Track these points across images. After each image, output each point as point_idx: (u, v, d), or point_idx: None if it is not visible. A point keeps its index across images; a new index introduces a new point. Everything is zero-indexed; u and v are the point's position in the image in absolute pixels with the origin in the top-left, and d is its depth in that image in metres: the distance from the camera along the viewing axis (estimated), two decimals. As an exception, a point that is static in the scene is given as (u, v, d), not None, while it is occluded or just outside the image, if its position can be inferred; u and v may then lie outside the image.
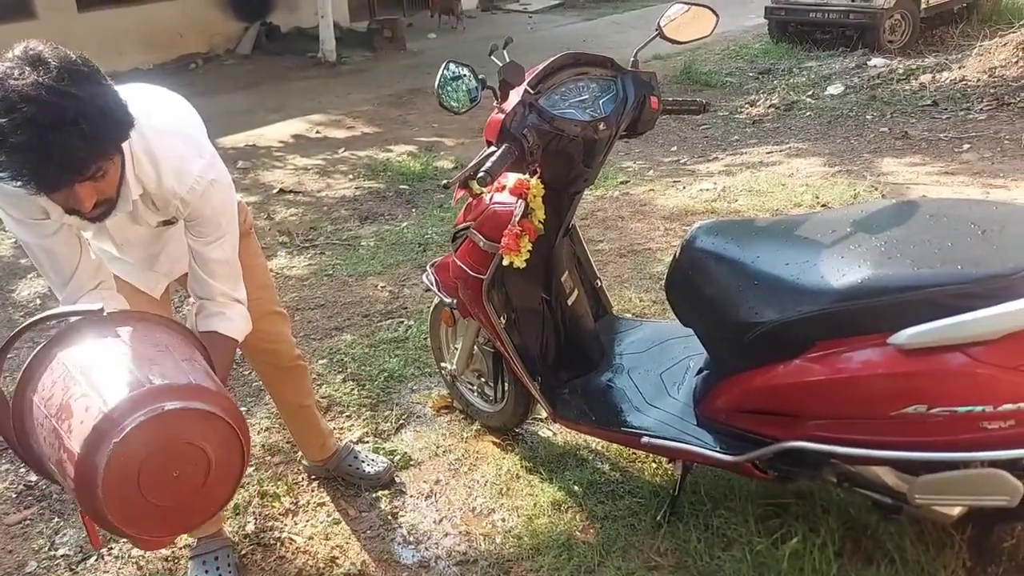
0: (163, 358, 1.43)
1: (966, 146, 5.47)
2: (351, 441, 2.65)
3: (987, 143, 5.48)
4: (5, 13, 9.45)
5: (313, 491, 2.52)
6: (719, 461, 1.96)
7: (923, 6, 8.95)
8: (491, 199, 2.18)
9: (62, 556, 2.31)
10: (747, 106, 7.28)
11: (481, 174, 1.83)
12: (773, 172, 5.29)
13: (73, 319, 1.50)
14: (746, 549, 2.06)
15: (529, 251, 2.05)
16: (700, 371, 2.15)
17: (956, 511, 1.74)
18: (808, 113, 6.86)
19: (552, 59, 2.07)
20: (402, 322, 3.53)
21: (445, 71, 2.05)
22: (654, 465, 2.45)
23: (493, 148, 1.94)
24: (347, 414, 2.90)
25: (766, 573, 2.01)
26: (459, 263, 2.24)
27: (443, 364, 2.74)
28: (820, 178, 5.04)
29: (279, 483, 2.55)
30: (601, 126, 2.02)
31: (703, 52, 9.38)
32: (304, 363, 2.38)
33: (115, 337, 1.43)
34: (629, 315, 3.02)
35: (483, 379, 2.65)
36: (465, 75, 2.06)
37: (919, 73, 7.35)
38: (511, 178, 2.09)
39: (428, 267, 2.53)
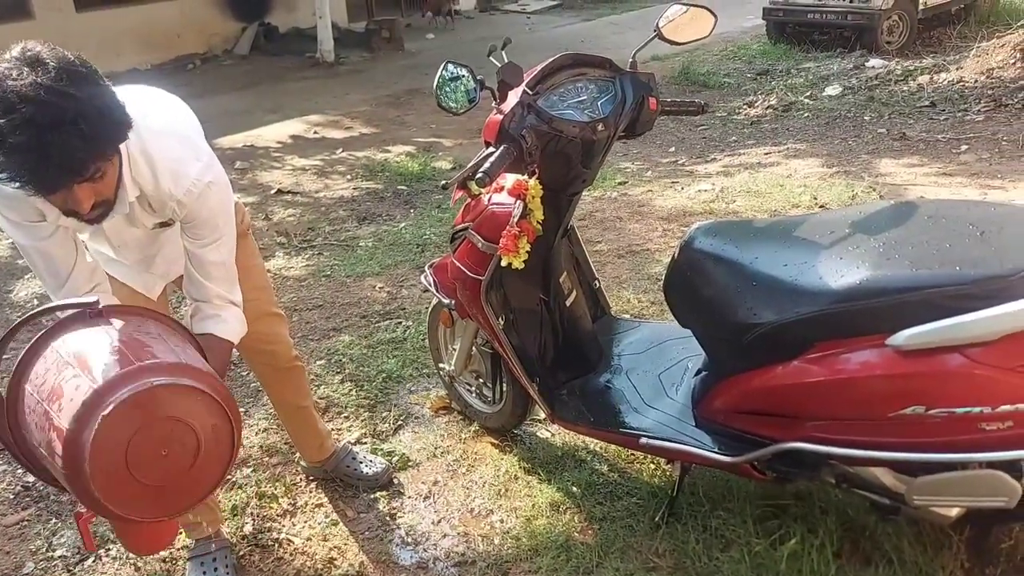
0: (155, 343, 1.43)
1: (964, 147, 5.48)
2: (349, 442, 2.65)
3: (985, 144, 5.49)
4: (2, 13, 9.45)
5: (311, 492, 2.52)
6: (717, 462, 1.96)
7: (921, 7, 8.95)
8: (489, 200, 2.18)
9: (59, 557, 2.31)
10: (745, 107, 7.28)
11: (479, 175, 1.83)
12: (771, 173, 5.29)
13: (68, 313, 1.49)
14: (744, 550, 2.06)
15: (527, 252, 2.05)
16: (698, 372, 2.15)
17: (954, 512, 1.74)
18: (806, 114, 6.86)
19: (550, 60, 2.07)
20: (400, 323, 3.52)
21: (444, 72, 2.05)
22: (652, 466, 2.45)
23: (492, 149, 1.94)
24: (345, 415, 2.90)
25: (764, 574, 2.01)
26: (457, 264, 2.24)
27: (441, 365, 2.73)
28: (818, 179, 5.04)
29: (277, 484, 2.55)
30: (599, 127, 2.02)
31: (701, 53, 9.39)
32: (302, 364, 2.38)
33: (107, 325, 1.44)
34: (627, 316, 3.02)
35: (481, 380, 2.65)
36: (464, 76, 2.06)
37: (917, 74, 7.36)
38: (509, 179, 2.09)
39: (426, 268, 2.53)
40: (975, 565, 1.95)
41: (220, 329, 1.79)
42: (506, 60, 2.02)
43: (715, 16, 2.18)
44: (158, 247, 1.91)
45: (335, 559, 2.25)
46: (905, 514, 1.78)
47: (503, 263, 2.06)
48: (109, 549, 2.31)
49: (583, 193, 2.28)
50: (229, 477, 2.58)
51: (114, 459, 1.30)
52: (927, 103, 6.58)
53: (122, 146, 1.47)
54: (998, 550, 1.97)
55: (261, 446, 2.74)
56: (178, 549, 2.27)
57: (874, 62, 8.09)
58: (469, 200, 2.25)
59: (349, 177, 6.03)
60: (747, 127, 6.75)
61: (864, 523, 2.08)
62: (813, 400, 1.74)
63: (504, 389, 2.53)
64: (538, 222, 2.07)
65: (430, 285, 2.46)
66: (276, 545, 2.31)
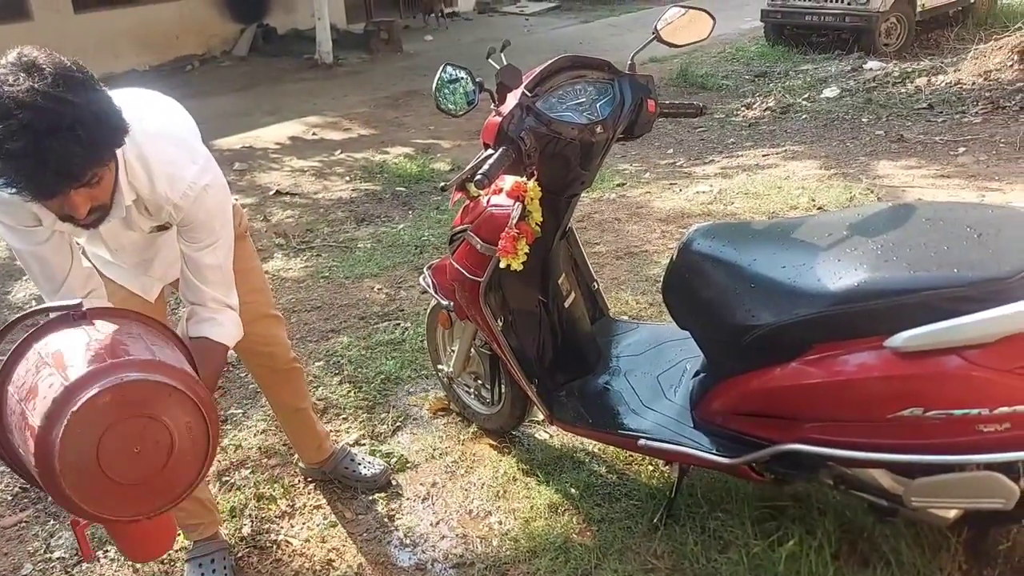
0: (132, 343, 1.42)
1: (961, 149, 5.49)
2: (348, 443, 2.65)
3: (982, 146, 5.50)
4: (1, 14, 9.43)
5: (309, 494, 2.52)
6: (716, 463, 1.96)
7: (919, 10, 8.98)
8: (488, 202, 2.18)
9: (58, 559, 2.31)
10: (743, 109, 7.29)
11: (478, 177, 1.83)
12: (769, 175, 5.30)
13: (52, 315, 1.49)
14: (743, 551, 2.06)
15: (526, 254, 2.05)
16: (697, 374, 2.16)
17: (952, 514, 1.74)
18: (804, 116, 6.87)
19: (549, 62, 2.07)
20: (399, 324, 3.52)
21: (443, 74, 2.05)
22: (651, 468, 2.45)
23: (490, 151, 1.94)
24: (343, 416, 2.90)
25: (762, 575, 2.01)
26: (456, 265, 2.24)
27: (440, 366, 2.73)
28: (816, 181, 5.05)
29: (275, 486, 2.54)
30: (598, 129, 2.02)
31: (699, 55, 9.40)
32: (300, 366, 2.38)
33: (89, 326, 1.43)
34: (626, 317, 3.02)
35: (480, 381, 2.65)
36: (463, 78, 2.06)
37: (915, 76, 7.37)
38: (508, 181, 2.09)
39: (425, 269, 2.53)
40: (973, 567, 1.95)
41: (216, 333, 1.78)
42: (505, 62, 2.03)
43: (713, 18, 2.18)
44: (155, 250, 1.90)
45: (333, 560, 2.25)
46: (903, 515, 1.79)
47: (502, 265, 2.06)
48: (107, 551, 2.31)
49: (582, 195, 2.29)
50: (228, 479, 2.59)
51: (85, 456, 1.29)
52: (925, 105, 6.59)
53: (118, 151, 1.47)
54: (996, 551, 1.97)
55: (259, 447, 2.74)
56: (177, 551, 2.27)
57: (872, 64, 8.10)
58: (468, 202, 2.25)
59: (348, 178, 6.03)
60: (745, 129, 6.76)
61: (862, 524, 2.08)
62: (811, 402, 1.74)
63: (503, 390, 2.53)
64: (537, 224, 2.07)
65: (429, 286, 2.46)
66: (274, 547, 2.31)
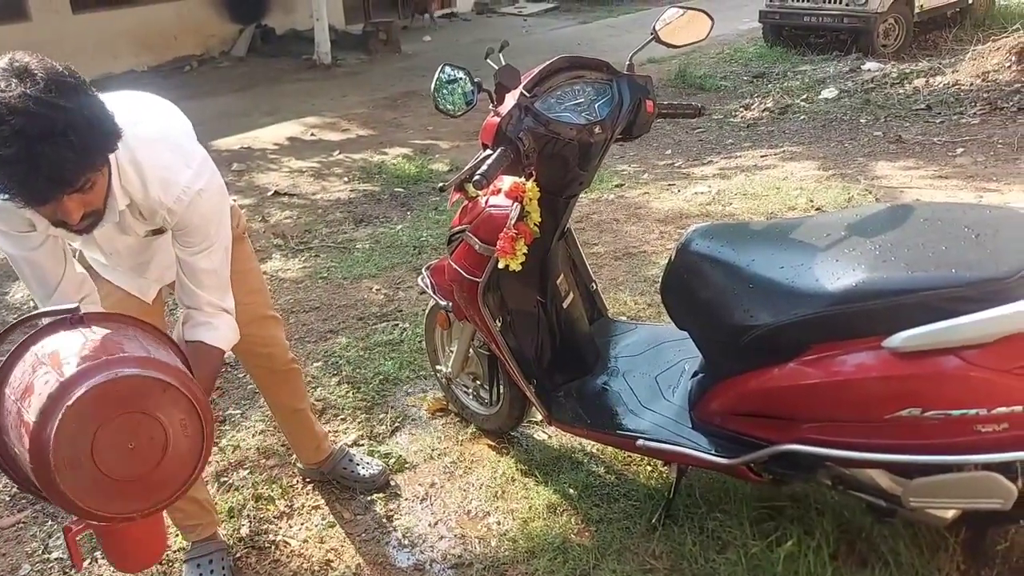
0: (128, 342, 1.43)
1: (959, 150, 5.50)
2: (346, 444, 2.65)
3: (980, 147, 5.51)
4: (-1, 14, 9.43)
5: (308, 494, 2.52)
6: (714, 464, 1.96)
7: (917, 11, 8.99)
8: (487, 202, 2.18)
9: (56, 559, 2.30)
10: (741, 110, 7.29)
11: (477, 177, 1.83)
12: (767, 175, 5.30)
13: (48, 320, 1.49)
14: (741, 552, 2.07)
15: (525, 254, 2.05)
16: (695, 374, 2.16)
17: (950, 514, 1.74)
18: (802, 117, 6.88)
19: (548, 63, 2.07)
20: (397, 325, 3.52)
21: (441, 74, 2.05)
22: (649, 468, 2.45)
23: (489, 151, 1.94)
24: (342, 417, 2.90)
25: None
26: (455, 266, 2.24)
27: (438, 367, 2.73)
28: (814, 181, 5.05)
29: (274, 486, 2.54)
30: (597, 129, 2.02)
31: (698, 56, 9.40)
32: (298, 366, 2.37)
33: (86, 329, 1.43)
34: (624, 318, 3.02)
35: (478, 382, 2.65)
36: (461, 78, 2.06)
37: (913, 77, 7.38)
38: (507, 181, 2.09)
39: (423, 270, 2.53)
40: (971, 567, 1.96)
41: (211, 337, 1.78)
42: (503, 62, 2.03)
43: (712, 19, 2.19)
44: (151, 253, 1.89)
45: (332, 561, 2.25)
46: (901, 516, 1.79)
47: (500, 265, 2.06)
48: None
49: (580, 195, 2.29)
50: (226, 480, 2.58)
51: (79, 451, 1.30)
52: (923, 106, 6.60)
53: (111, 155, 1.46)
54: (994, 552, 1.97)
55: (258, 448, 2.74)
56: (175, 551, 2.27)
57: (870, 65, 8.11)
58: (466, 202, 2.25)
59: (346, 179, 6.03)
60: (743, 130, 6.76)
61: (860, 525, 2.08)
62: (809, 402, 1.75)
63: (501, 391, 2.53)
64: (535, 224, 2.08)
65: (427, 287, 2.46)
66: (273, 547, 2.31)
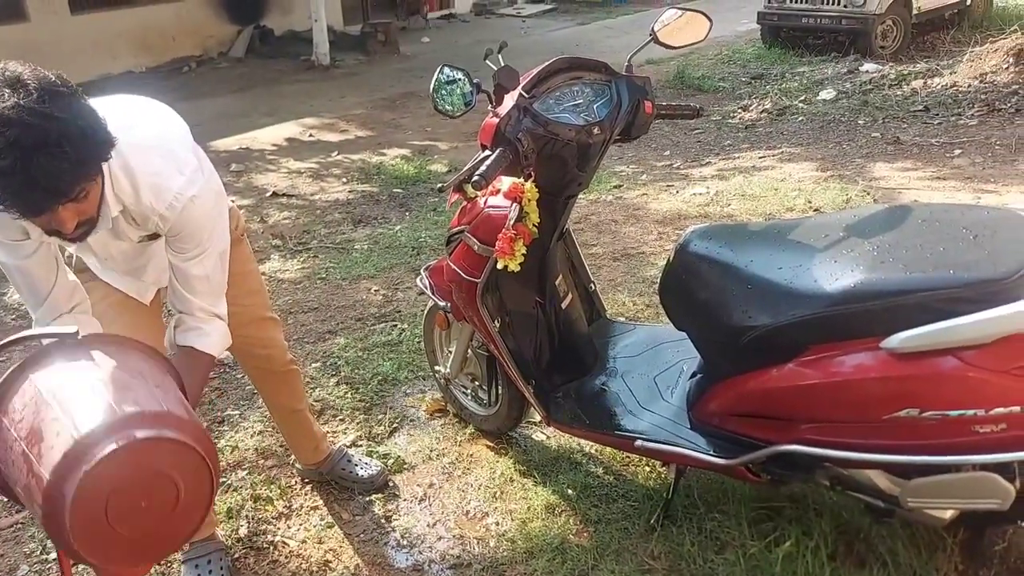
0: (137, 384, 1.40)
1: (957, 151, 5.51)
2: (344, 445, 2.64)
3: (978, 148, 5.52)
4: (-2, 15, 9.42)
5: (306, 495, 2.52)
6: (712, 464, 1.96)
7: (915, 12, 9.00)
8: (485, 203, 2.18)
9: (54, 560, 2.30)
10: (740, 111, 7.30)
11: (476, 178, 1.83)
12: (766, 176, 5.31)
13: (46, 341, 1.47)
14: (739, 552, 2.07)
15: (523, 255, 2.06)
16: (693, 375, 2.16)
17: (948, 514, 1.74)
18: (800, 118, 6.89)
19: (546, 64, 2.08)
20: (396, 325, 3.52)
21: (440, 75, 2.05)
22: (648, 469, 2.45)
23: (487, 152, 1.94)
24: (340, 418, 2.90)
25: (759, 576, 2.02)
26: (453, 266, 2.24)
27: (437, 367, 2.73)
28: (812, 183, 5.06)
29: (272, 487, 2.54)
30: (595, 130, 2.03)
31: (696, 57, 9.41)
32: (297, 367, 2.37)
33: (89, 361, 1.41)
34: (623, 319, 3.02)
35: (477, 383, 2.65)
36: (460, 79, 2.06)
37: (911, 79, 7.40)
38: (506, 182, 2.10)
39: (422, 270, 2.53)
40: (969, 567, 1.96)
41: (202, 343, 1.77)
42: (502, 63, 2.03)
43: (710, 20, 2.19)
44: (147, 258, 1.88)
45: (330, 562, 2.25)
46: (899, 516, 1.79)
47: (499, 266, 2.06)
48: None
49: (579, 196, 2.29)
50: (225, 480, 2.58)
51: (94, 512, 1.28)
52: (921, 107, 6.61)
53: (104, 163, 1.46)
54: (992, 552, 1.97)
55: (256, 449, 2.74)
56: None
57: (868, 66, 8.12)
58: (465, 203, 2.25)
59: (344, 180, 6.03)
60: (742, 131, 6.77)
61: (859, 525, 2.09)
62: (808, 403, 1.75)
63: (500, 392, 2.53)
64: (534, 225, 2.08)
65: (426, 288, 2.46)
66: (271, 548, 2.31)
